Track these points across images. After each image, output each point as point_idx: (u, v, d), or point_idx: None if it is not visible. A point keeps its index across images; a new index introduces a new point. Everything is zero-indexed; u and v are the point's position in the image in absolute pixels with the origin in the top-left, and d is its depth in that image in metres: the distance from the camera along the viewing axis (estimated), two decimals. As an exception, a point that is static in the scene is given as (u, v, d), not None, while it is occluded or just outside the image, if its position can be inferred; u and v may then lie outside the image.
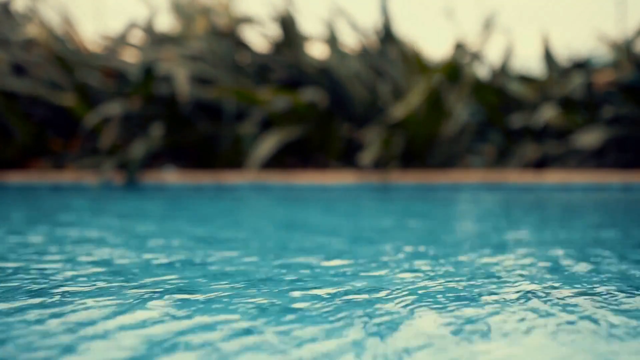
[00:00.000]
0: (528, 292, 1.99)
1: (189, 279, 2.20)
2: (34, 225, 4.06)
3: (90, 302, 1.87)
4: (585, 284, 2.13)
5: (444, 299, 1.90)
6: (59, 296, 1.95)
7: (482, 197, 6.51)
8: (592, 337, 1.58)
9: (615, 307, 1.83)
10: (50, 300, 1.90)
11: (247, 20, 8.01)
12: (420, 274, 2.30)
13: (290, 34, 7.82)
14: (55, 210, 5.21)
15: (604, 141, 7.27)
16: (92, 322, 1.66)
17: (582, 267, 2.47)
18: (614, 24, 8.47)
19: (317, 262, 2.58)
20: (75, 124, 7.57)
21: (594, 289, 2.04)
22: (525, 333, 1.60)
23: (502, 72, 7.82)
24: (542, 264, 2.54)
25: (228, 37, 7.85)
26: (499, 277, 2.25)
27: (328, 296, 1.94)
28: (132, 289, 2.04)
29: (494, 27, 7.66)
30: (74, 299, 1.92)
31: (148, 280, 2.19)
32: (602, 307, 1.83)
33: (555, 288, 2.05)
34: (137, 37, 8.08)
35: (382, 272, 2.34)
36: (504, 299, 1.91)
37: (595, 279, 2.24)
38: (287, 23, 7.81)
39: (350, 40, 8.01)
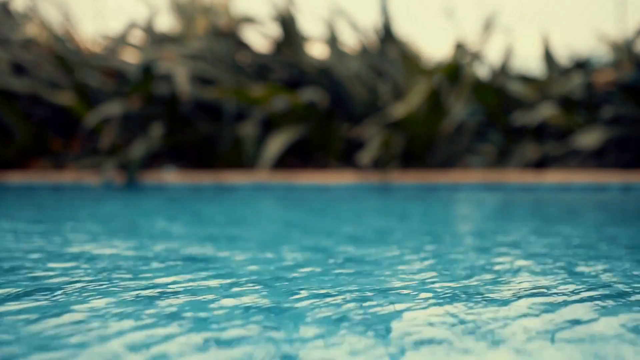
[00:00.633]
0: (528, 292, 1.99)
1: (189, 278, 2.20)
2: (35, 225, 4.06)
3: (90, 302, 1.87)
4: (585, 284, 2.13)
5: (444, 299, 1.90)
6: (59, 295, 1.95)
7: (482, 197, 6.51)
8: (593, 337, 1.58)
9: (616, 308, 1.83)
10: (50, 299, 1.90)
11: (247, 20, 8.01)
12: (420, 274, 2.30)
13: (290, 33, 7.82)
14: (56, 210, 5.21)
15: (604, 141, 7.27)
16: (92, 322, 1.66)
17: (585, 267, 2.47)
18: (614, 24, 8.47)
19: (317, 262, 2.58)
20: (75, 123, 7.57)
21: (599, 288, 2.04)
22: (524, 332, 1.60)
23: (502, 72, 7.82)
24: (542, 264, 2.54)
25: (228, 37, 7.85)
26: (498, 277, 2.25)
27: (328, 295, 1.94)
28: (133, 287, 2.04)
29: (494, 27, 7.66)
30: (74, 299, 1.92)
31: (148, 279, 2.19)
32: (606, 307, 1.83)
33: (554, 288, 2.05)
34: (137, 37, 8.09)
35: (383, 272, 2.34)
36: (504, 298, 1.91)
37: (603, 278, 2.24)
38: (287, 23, 7.81)
39: (350, 40, 8.02)
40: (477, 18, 7.91)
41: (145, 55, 7.61)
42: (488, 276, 2.27)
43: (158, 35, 8.03)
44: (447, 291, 2.01)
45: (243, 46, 7.97)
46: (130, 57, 7.90)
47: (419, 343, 1.53)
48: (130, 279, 2.21)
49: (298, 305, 1.84)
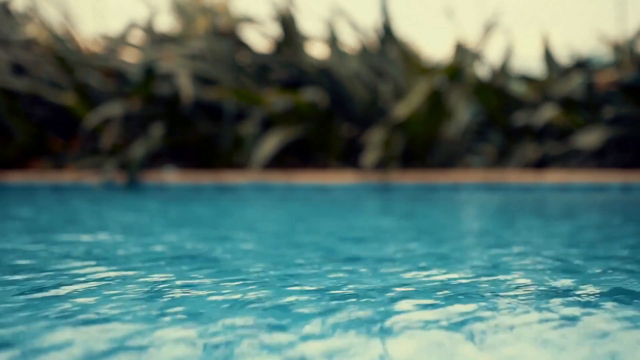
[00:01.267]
0: (527, 291, 1.99)
1: (189, 278, 2.20)
2: (37, 225, 4.05)
3: (92, 301, 1.87)
4: (585, 285, 2.13)
5: (444, 298, 1.90)
6: (60, 295, 1.95)
7: (482, 197, 6.51)
8: (595, 338, 1.57)
9: (617, 308, 1.83)
10: (50, 298, 1.90)
11: (247, 20, 8.01)
12: (421, 274, 2.30)
13: (290, 33, 7.82)
14: (58, 209, 5.21)
15: (605, 141, 7.27)
16: (95, 322, 1.66)
17: (585, 267, 2.46)
18: (614, 24, 8.47)
19: (318, 261, 2.58)
20: (75, 123, 7.57)
21: (599, 288, 2.04)
22: (523, 333, 1.59)
23: (503, 72, 7.82)
24: (541, 263, 2.54)
25: (228, 36, 7.85)
26: (499, 277, 2.25)
27: (328, 296, 1.93)
28: (133, 288, 2.04)
29: (494, 27, 7.66)
30: (74, 298, 1.92)
31: (148, 279, 2.19)
32: (608, 307, 1.83)
33: (553, 288, 2.05)
34: (137, 37, 8.09)
35: (383, 272, 2.33)
36: (504, 297, 1.91)
37: (603, 278, 2.24)
38: (287, 23, 7.81)
39: (350, 40, 8.01)
40: (477, 18, 7.90)
41: (145, 55, 7.61)
42: (488, 276, 2.27)
43: (158, 35, 8.03)
44: (447, 290, 2.01)
45: (243, 46, 7.96)
46: (131, 57, 7.90)
47: (419, 339, 1.53)
48: (130, 279, 2.21)
49: (298, 304, 1.84)
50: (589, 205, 5.68)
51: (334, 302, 1.85)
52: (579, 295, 1.95)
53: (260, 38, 8.06)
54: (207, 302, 1.87)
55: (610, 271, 2.35)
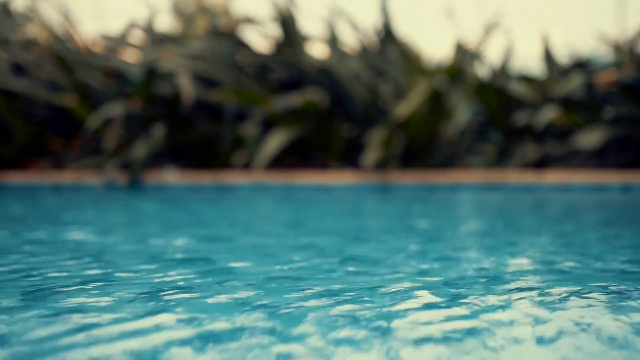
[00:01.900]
0: (528, 290, 1.99)
1: (189, 277, 2.20)
2: (40, 225, 4.06)
3: (91, 303, 1.87)
4: (585, 284, 2.13)
5: (444, 298, 1.90)
6: (60, 297, 1.95)
7: (482, 197, 6.51)
8: (595, 338, 1.57)
9: (617, 308, 1.83)
10: (51, 301, 1.90)
11: (247, 20, 8.01)
12: (421, 274, 2.30)
13: (290, 33, 7.82)
14: (60, 210, 5.21)
15: (605, 141, 7.27)
16: (97, 325, 1.66)
17: (584, 267, 2.47)
18: (614, 24, 8.47)
19: (318, 261, 2.58)
20: (75, 124, 7.57)
21: (597, 287, 2.04)
22: (523, 332, 1.60)
23: (503, 72, 7.82)
24: (541, 263, 2.54)
25: (228, 37, 7.85)
26: (499, 277, 2.25)
27: (328, 296, 1.93)
28: (133, 287, 2.04)
29: (494, 27, 7.66)
30: (74, 298, 1.92)
31: (148, 279, 2.19)
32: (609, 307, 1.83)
33: (553, 288, 2.05)
34: (137, 37, 8.09)
35: (383, 272, 2.34)
36: (504, 297, 1.91)
37: (603, 278, 2.24)
38: (287, 23, 7.81)
39: (350, 40, 8.01)
40: (477, 18, 7.91)
41: (145, 55, 7.61)
42: (488, 276, 2.27)
43: (158, 35, 8.03)
44: (446, 289, 2.01)
45: (243, 46, 7.96)
46: (131, 57, 7.90)
47: (420, 341, 1.53)
48: (130, 278, 2.21)
49: (298, 304, 1.84)
50: (589, 206, 5.68)
51: (334, 302, 1.85)
52: (578, 296, 1.95)
53: (260, 38, 8.07)
54: (207, 302, 1.87)
55: (610, 271, 2.35)
